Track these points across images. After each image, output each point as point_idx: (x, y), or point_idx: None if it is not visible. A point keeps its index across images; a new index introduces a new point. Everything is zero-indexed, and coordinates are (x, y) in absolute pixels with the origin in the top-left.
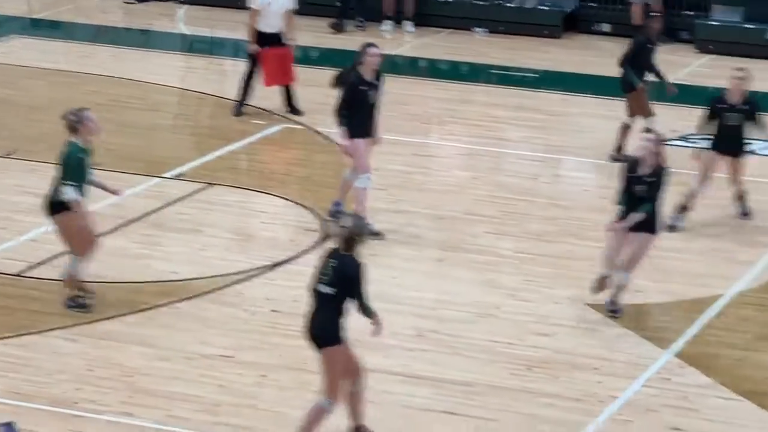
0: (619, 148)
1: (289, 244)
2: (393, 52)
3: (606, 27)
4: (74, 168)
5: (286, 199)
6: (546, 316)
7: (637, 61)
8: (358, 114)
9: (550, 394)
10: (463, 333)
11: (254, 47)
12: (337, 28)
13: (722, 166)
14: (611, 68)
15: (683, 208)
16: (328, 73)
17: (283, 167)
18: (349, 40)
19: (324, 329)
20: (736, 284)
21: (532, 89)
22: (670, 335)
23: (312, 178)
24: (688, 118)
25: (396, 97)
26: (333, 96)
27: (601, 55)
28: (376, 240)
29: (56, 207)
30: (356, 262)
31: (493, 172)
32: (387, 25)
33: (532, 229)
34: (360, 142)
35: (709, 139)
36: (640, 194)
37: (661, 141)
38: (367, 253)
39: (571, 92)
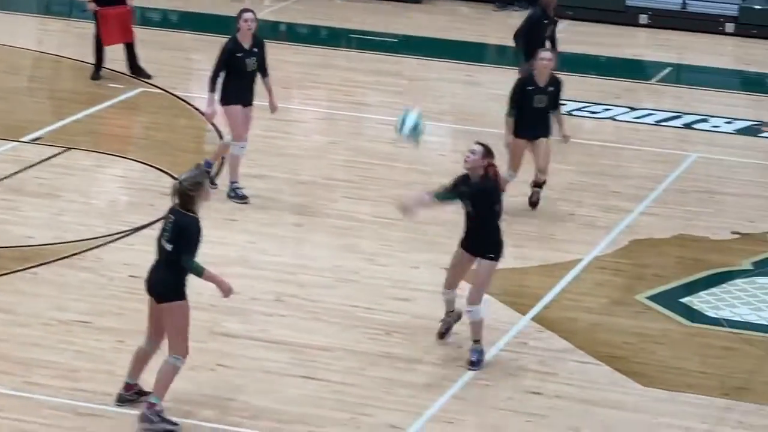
0: None
1: (148, 208)
2: None
3: None
4: None
5: (145, 164)
6: (404, 281)
7: (531, 36)
8: (234, 81)
9: (409, 359)
10: (321, 298)
11: (92, 5)
12: None
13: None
14: (470, 34)
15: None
16: (187, 37)
17: (141, 131)
18: (210, 4)
19: (164, 285)
20: (593, 249)
21: (392, 54)
22: (529, 300)
23: (170, 143)
24: None
25: None
26: (193, 60)
27: (460, 21)
28: (242, 204)
29: None
30: (191, 218)
31: (352, 137)
32: None
33: (391, 194)
34: (236, 109)
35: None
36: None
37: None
38: (225, 219)
39: (430, 57)
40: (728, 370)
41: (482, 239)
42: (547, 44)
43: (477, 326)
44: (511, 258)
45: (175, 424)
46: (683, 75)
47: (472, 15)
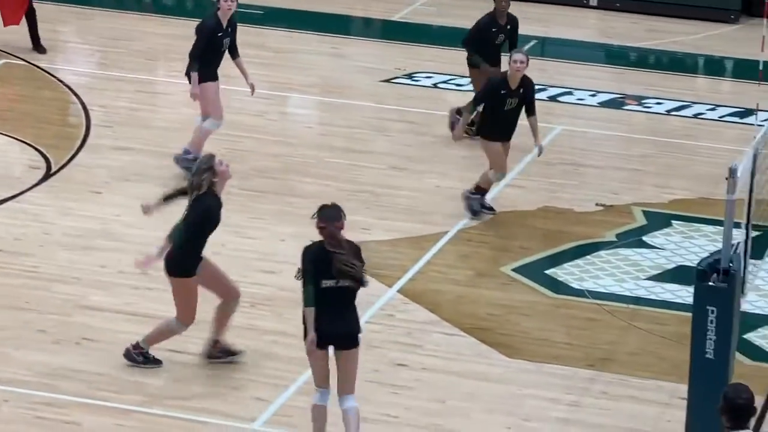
0: (458, 111)
1: (13, 181)
2: None
3: None
4: None
5: (9, 136)
6: (271, 253)
7: (481, 43)
8: (210, 59)
9: (274, 332)
10: None
11: None
12: None
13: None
14: (336, 6)
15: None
16: (52, 8)
17: (5, 103)
18: None
19: (172, 260)
20: (458, 222)
21: (258, 26)
22: (395, 272)
23: (35, 114)
24: (415, 57)
25: (119, 33)
26: (59, 32)
27: None
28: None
29: None
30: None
31: None
32: None
33: (258, 166)
34: (215, 87)
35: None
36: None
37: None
38: (91, 191)
39: (295, 29)
40: (592, 341)
41: None
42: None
43: None
44: (378, 230)
45: (158, 361)
46: (548, 48)
47: None
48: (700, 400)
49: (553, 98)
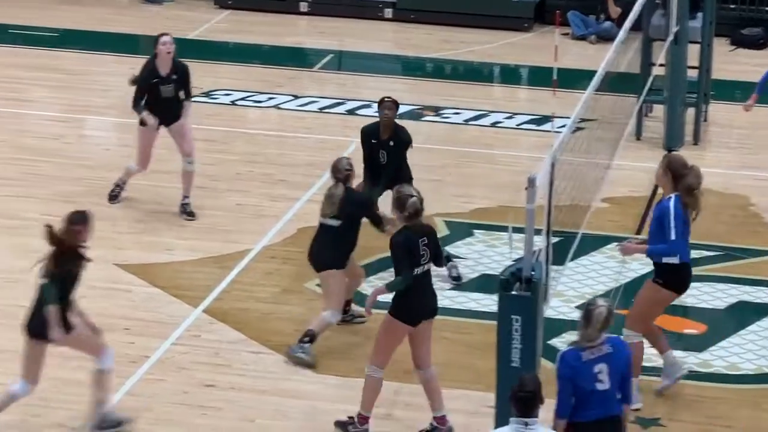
0: None
1: None
2: None
3: None
4: None
5: None
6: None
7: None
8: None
9: (80, 357)
10: None
11: None
12: None
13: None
14: (121, 25)
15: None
16: None
17: None
18: None
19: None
20: (262, 239)
21: (53, 49)
22: (200, 292)
23: None
24: (213, 74)
25: None
26: None
27: (118, 13)
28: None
29: None
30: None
31: (16, 134)
32: None
33: (60, 191)
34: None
35: None
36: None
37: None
38: None
39: (91, 51)
40: (396, 353)
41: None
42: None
43: None
44: (180, 250)
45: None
46: (345, 61)
47: (132, 6)
48: (508, 408)
49: (351, 111)
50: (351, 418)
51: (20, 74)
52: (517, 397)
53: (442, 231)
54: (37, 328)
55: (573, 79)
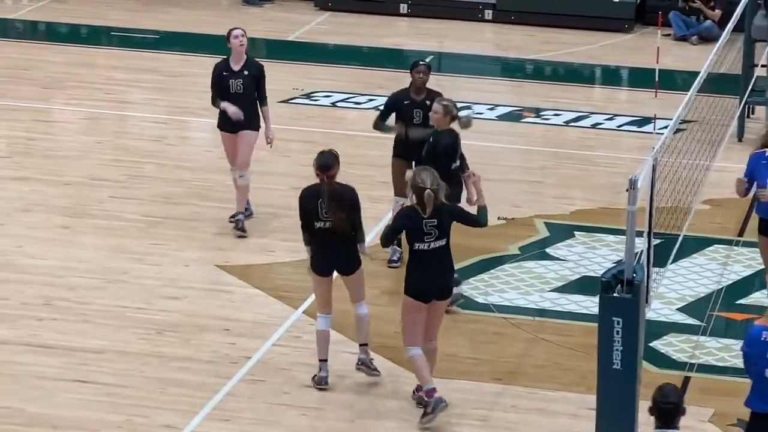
0: None
1: None
2: (10, 17)
3: None
4: None
5: None
6: (175, 279)
7: None
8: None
9: (181, 358)
10: (91, 300)
11: None
12: None
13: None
14: (221, 27)
15: None
16: None
17: None
18: None
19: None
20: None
21: (152, 51)
22: (300, 293)
23: None
24: (313, 76)
25: (15, 62)
26: None
27: (218, 15)
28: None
29: None
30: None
31: (117, 136)
32: None
33: (159, 192)
34: (223, 137)
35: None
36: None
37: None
38: None
39: (191, 53)
40: (498, 355)
41: None
42: None
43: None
44: (281, 251)
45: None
46: (445, 63)
47: (231, 9)
48: (609, 410)
49: None
50: (419, 395)
51: (121, 76)
52: (659, 408)
53: (541, 232)
54: None
55: (674, 80)
